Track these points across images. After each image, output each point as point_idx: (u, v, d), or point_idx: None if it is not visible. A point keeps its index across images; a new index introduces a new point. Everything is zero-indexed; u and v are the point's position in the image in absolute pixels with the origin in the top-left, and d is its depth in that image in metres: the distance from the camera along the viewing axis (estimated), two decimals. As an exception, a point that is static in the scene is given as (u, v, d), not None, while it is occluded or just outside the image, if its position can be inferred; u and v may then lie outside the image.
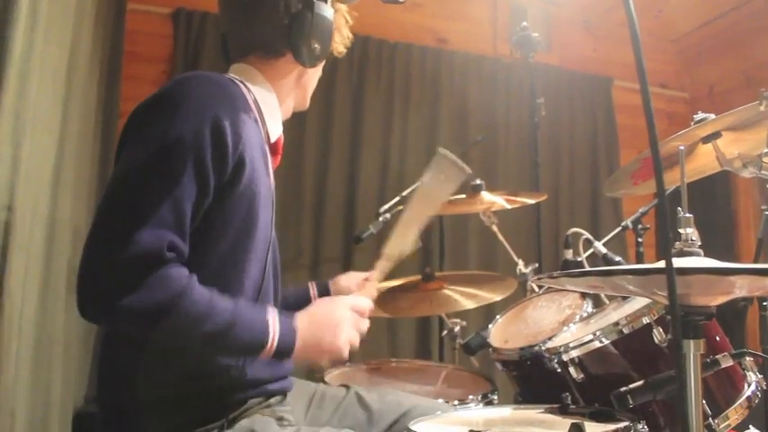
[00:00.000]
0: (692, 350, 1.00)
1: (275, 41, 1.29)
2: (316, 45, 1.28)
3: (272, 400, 1.28)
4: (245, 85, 1.26)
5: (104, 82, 2.56)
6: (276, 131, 1.33)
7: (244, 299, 1.18)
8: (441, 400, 1.69)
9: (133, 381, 1.14)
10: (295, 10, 1.26)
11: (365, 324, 1.25)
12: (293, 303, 1.57)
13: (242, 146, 1.15)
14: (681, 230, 1.07)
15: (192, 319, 1.05)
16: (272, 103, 1.32)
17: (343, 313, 1.23)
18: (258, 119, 1.25)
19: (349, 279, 1.67)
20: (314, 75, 1.42)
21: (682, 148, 1.15)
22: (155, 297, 1.02)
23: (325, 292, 1.64)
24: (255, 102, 1.27)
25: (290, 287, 1.63)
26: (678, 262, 0.98)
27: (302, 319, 1.19)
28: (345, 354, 1.20)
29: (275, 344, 1.12)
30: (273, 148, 1.34)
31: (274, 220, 1.29)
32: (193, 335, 1.07)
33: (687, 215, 1.07)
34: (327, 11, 1.28)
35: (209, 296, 1.09)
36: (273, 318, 1.14)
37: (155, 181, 1.07)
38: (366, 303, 1.28)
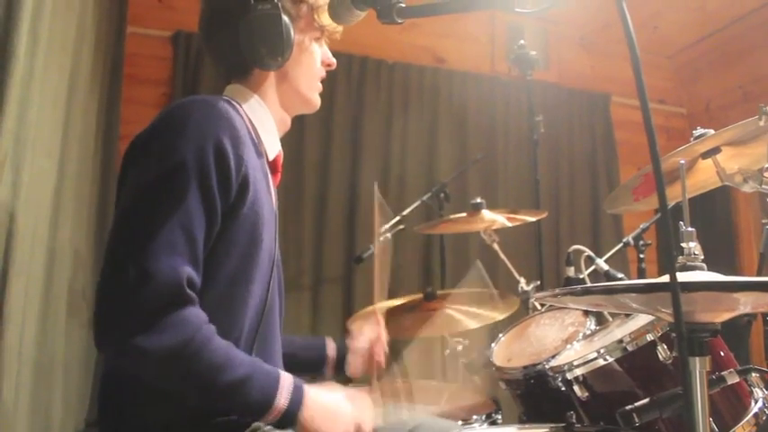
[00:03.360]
0: (698, 367, 1.00)
1: (239, 62, 1.29)
2: (272, 45, 1.25)
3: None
4: (240, 106, 1.27)
5: (104, 105, 2.57)
6: (274, 149, 1.33)
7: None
8: (444, 421, 1.67)
9: (135, 407, 1.13)
10: (236, 26, 1.24)
11: None
12: (309, 356, 1.53)
13: (244, 167, 1.15)
14: (683, 245, 1.06)
15: (205, 368, 1.03)
16: (265, 119, 1.32)
17: (348, 421, 1.15)
18: (255, 138, 1.26)
19: (361, 340, 1.58)
20: (297, 70, 1.34)
21: (682, 162, 1.15)
22: (170, 341, 1.01)
23: (342, 351, 1.56)
24: (250, 121, 1.27)
25: (309, 339, 1.59)
26: (682, 276, 0.98)
27: (311, 394, 1.13)
28: None
29: (284, 408, 1.08)
30: (273, 166, 1.34)
31: (277, 240, 1.28)
32: (203, 384, 1.05)
33: (689, 229, 1.07)
34: (266, 6, 1.24)
35: (225, 348, 1.07)
36: (288, 382, 1.11)
37: (163, 210, 1.06)
38: (368, 426, 1.18)
